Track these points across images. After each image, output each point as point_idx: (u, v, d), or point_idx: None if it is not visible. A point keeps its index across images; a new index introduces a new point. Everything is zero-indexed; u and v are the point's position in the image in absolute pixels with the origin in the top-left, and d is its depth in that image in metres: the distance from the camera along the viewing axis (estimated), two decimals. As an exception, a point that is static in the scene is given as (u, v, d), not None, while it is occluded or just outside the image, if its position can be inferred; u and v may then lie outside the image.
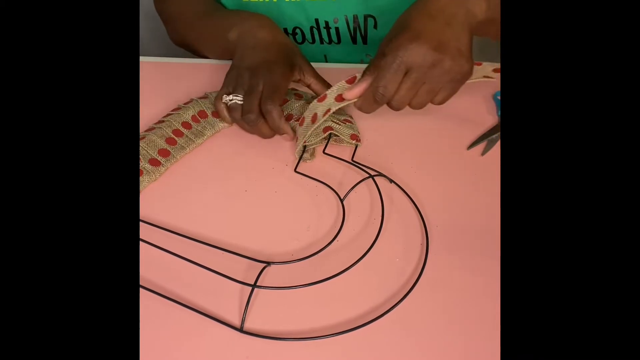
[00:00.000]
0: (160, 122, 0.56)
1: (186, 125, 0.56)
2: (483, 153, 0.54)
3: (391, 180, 0.51)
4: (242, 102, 0.53)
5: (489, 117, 0.58)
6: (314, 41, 0.72)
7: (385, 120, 0.57)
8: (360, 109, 0.51)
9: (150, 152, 0.52)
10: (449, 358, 0.38)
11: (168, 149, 0.53)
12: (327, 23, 0.70)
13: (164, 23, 0.73)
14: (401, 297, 0.41)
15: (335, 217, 0.48)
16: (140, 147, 0.52)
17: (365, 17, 0.69)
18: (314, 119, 0.52)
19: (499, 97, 0.60)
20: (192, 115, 0.57)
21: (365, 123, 0.57)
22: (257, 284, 0.42)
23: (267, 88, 0.52)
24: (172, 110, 0.58)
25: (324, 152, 0.54)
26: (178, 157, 0.53)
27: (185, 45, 0.71)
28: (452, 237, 0.46)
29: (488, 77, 0.55)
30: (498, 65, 0.55)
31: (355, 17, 0.69)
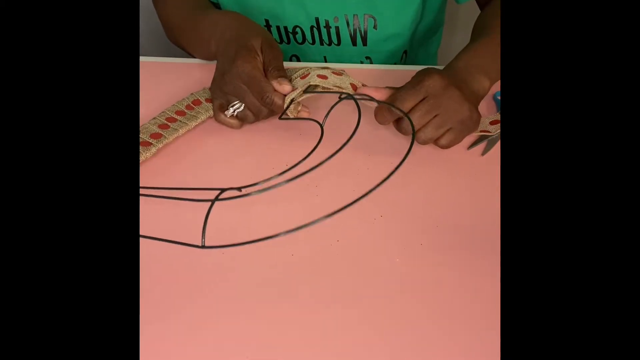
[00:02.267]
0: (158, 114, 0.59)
1: (180, 113, 0.58)
2: (483, 153, 0.54)
3: (371, 99, 0.52)
4: (243, 108, 0.55)
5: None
6: (314, 42, 0.72)
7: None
8: (375, 115, 0.53)
9: (142, 137, 0.54)
10: (449, 358, 0.38)
11: (160, 132, 0.55)
12: (327, 22, 0.70)
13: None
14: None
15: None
16: None
17: (365, 17, 0.69)
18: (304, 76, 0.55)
19: (499, 97, 0.60)
20: (187, 105, 0.59)
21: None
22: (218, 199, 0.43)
23: (250, 86, 0.53)
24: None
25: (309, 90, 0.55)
26: (170, 138, 0.55)
27: (180, 48, 0.72)
28: (452, 237, 0.46)
29: (486, 131, 0.55)
30: (494, 118, 0.57)
31: (355, 17, 0.69)
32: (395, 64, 0.75)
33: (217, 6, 0.72)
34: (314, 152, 0.47)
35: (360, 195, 0.39)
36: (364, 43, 0.72)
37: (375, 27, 0.70)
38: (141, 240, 0.46)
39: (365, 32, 0.70)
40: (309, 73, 0.55)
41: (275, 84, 0.53)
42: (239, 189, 0.44)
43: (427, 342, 0.39)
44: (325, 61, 0.74)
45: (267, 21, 0.71)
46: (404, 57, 0.76)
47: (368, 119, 0.53)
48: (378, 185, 0.41)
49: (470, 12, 0.83)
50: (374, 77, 0.64)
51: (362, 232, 0.47)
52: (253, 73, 0.53)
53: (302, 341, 0.39)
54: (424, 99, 0.49)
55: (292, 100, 0.54)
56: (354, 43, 0.72)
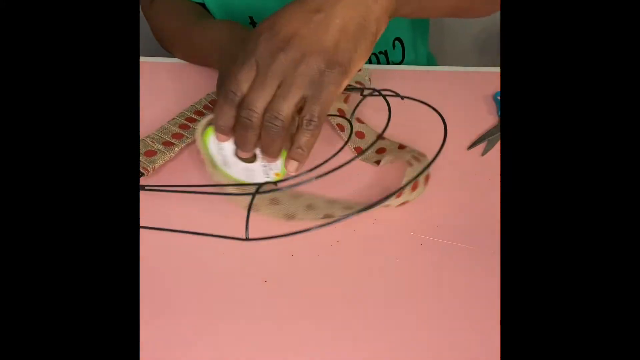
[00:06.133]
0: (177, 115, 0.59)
1: (199, 113, 0.59)
2: (483, 153, 0.54)
3: (403, 97, 0.49)
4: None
5: (489, 117, 0.58)
6: None
7: (383, 121, 0.57)
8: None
9: (164, 137, 0.56)
10: (449, 358, 0.38)
11: (182, 132, 0.56)
12: None
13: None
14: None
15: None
16: (154, 134, 0.56)
17: None
18: None
19: (499, 97, 0.60)
20: (205, 105, 0.60)
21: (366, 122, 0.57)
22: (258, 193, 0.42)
23: None
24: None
25: None
26: (192, 137, 0.56)
27: (174, 56, 0.70)
28: (453, 237, 0.46)
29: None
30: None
31: None
32: (386, 51, 0.75)
33: (204, 6, 0.71)
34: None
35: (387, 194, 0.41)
36: None
37: None
38: (140, 238, 0.46)
39: None
40: None
41: None
42: (276, 183, 0.44)
43: (427, 342, 0.39)
44: None
45: (251, 18, 0.71)
46: (396, 43, 0.75)
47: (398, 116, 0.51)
48: (402, 188, 0.42)
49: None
50: (373, 79, 0.64)
51: (362, 232, 0.47)
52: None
53: (301, 341, 0.39)
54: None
55: None
56: None
